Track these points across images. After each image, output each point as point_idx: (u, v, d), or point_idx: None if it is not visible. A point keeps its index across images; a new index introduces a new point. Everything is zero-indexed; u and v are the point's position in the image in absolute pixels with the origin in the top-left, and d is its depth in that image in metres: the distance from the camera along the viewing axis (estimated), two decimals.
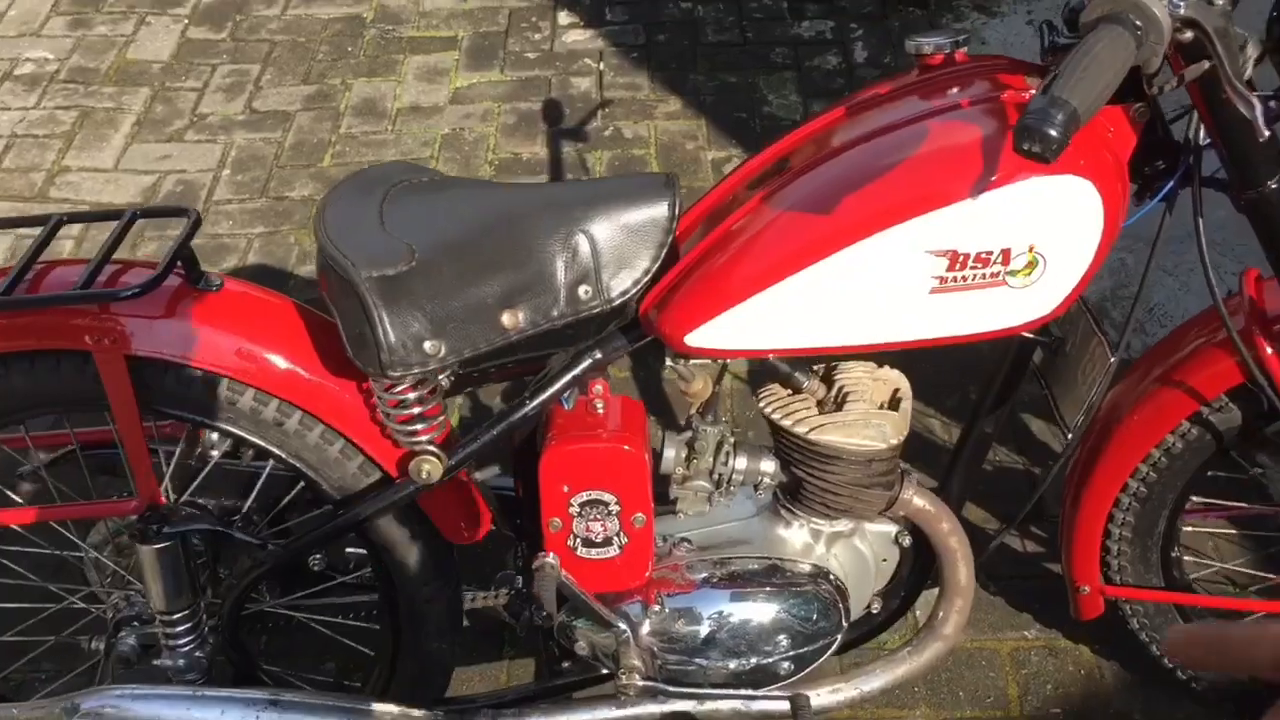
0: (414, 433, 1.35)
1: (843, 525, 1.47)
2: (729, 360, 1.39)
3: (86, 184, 2.86)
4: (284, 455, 1.40)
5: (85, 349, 1.30)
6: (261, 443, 1.39)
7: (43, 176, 2.87)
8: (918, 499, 1.47)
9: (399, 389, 1.30)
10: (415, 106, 3.10)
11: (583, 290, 1.27)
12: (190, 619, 1.43)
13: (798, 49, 3.24)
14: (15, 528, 1.52)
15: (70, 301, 1.28)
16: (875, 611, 1.57)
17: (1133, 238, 1.45)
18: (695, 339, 1.27)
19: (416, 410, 1.33)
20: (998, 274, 1.19)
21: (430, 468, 1.35)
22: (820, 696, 1.51)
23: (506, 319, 1.25)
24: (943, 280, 1.19)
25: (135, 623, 1.50)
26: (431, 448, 1.35)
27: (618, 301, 1.28)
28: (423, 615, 1.52)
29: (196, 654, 1.46)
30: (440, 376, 1.33)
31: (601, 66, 3.21)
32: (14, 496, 1.50)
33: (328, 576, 1.54)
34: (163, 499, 1.40)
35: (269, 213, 2.78)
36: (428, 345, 1.22)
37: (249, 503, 1.45)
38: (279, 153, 2.95)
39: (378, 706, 1.47)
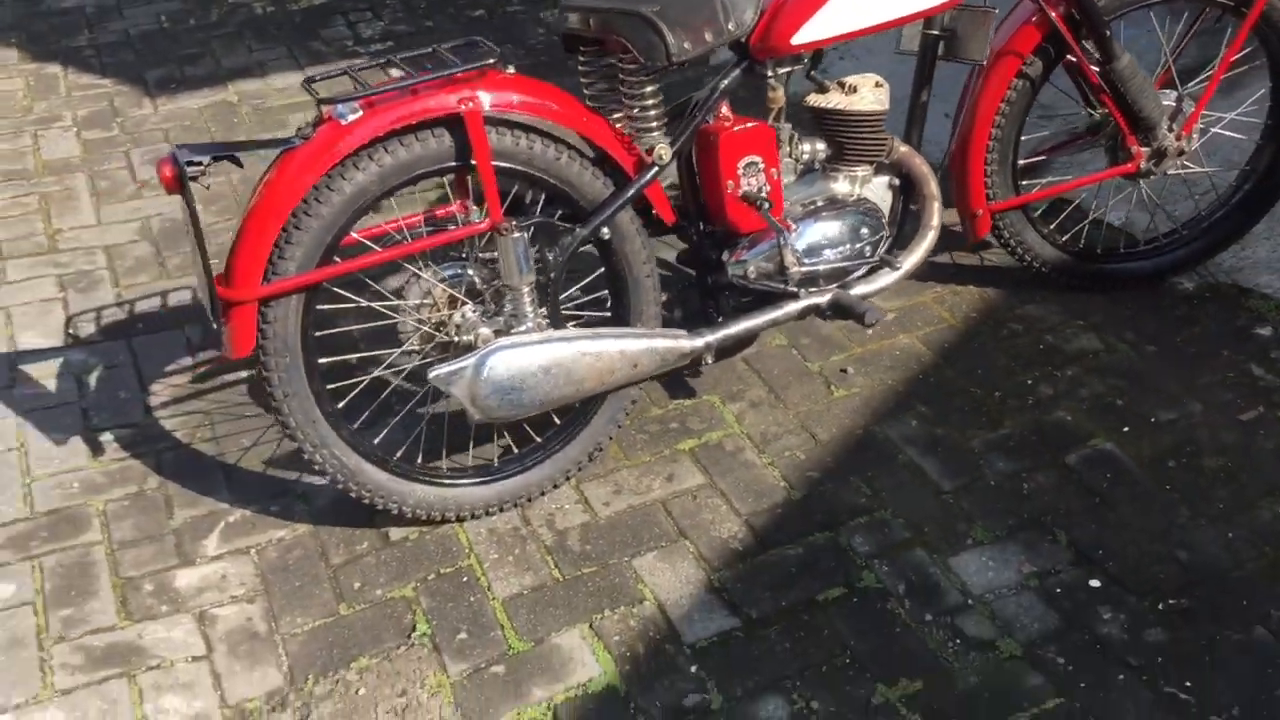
0: (650, 129, 2.23)
1: (864, 172, 2.49)
2: (805, 58, 2.37)
3: (86, 235, 3.37)
4: (556, 182, 2.22)
5: (456, 113, 2.08)
6: (543, 175, 2.20)
7: (45, 239, 3.35)
8: (901, 146, 2.52)
9: (649, 93, 2.20)
10: None
11: (731, 24, 2.23)
12: (534, 290, 2.20)
13: None
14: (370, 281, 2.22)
15: (458, 69, 2.06)
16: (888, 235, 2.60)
17: None
18: (797, 39, 2.25)
19: (654, 111, 2.22)
20: None
21: (664, 150, 2.23)
22: (886, 276, 2.50)
23: (707, 35, 2.18)
24: None
25: (482, 324, 2.23)
26: (663, 138, 2.24)
27: (746, 28, 2.24)
28: (643, 287, 2.35)
29: (538, 319, 2.22)
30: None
31: None
32: (375, 246, 2.19)
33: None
34: (501, 218, 2.17)
35: None
36: (685, 44, 2.14)
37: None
38: (236, 188, 3.60)
39: (651, 331, 2.30)
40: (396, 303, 2.26)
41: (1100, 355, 2.74)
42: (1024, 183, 2.79)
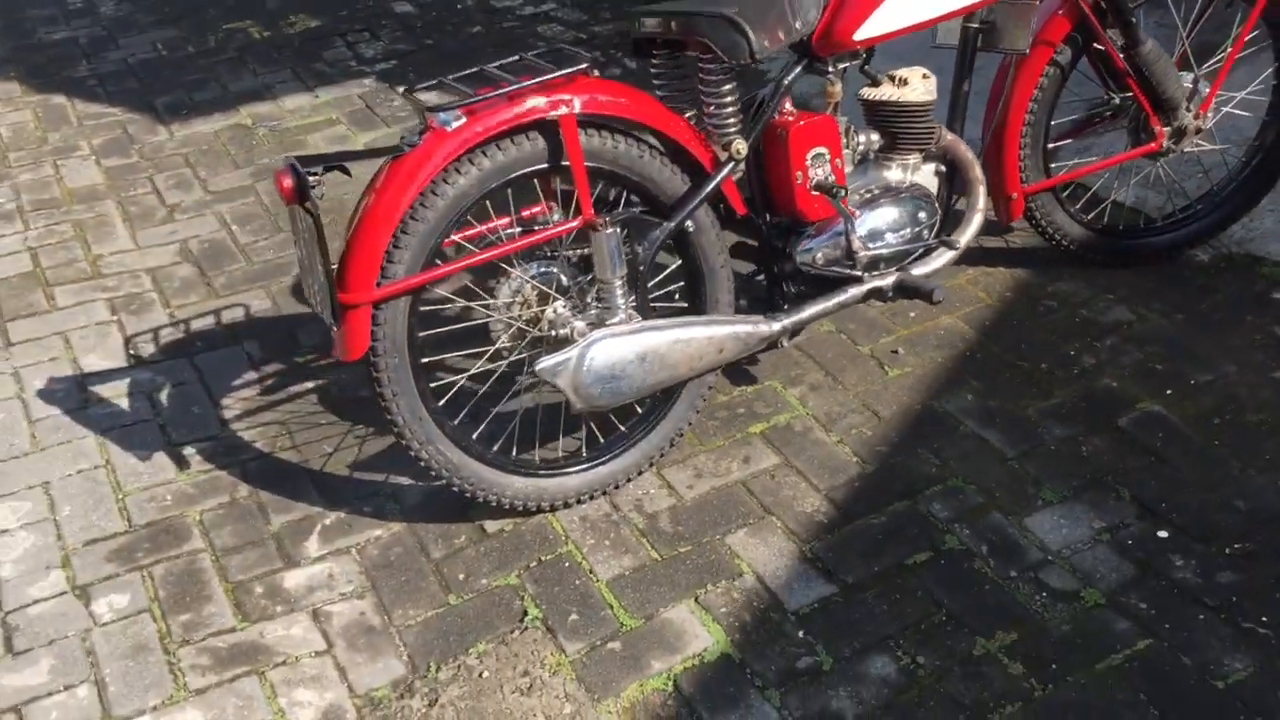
0: (727, 126, 2.35)
1: (915, 160, 2.62)
2: (865, 54, 2.50)
3: (128, 259, 3.41)
4: (639, 179, 2.32)
5: (553, 114, 2.17)
6: (628, 173, 2.30)
7: (88, 265, 3.39)
8: (947, 135, 2.66)
9: (727, 91, 2.31)
10: None
11: (799, 24, 2.35)
12: (625, 282, 2.29)
13: None
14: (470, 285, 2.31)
15: (553, 75, 2.16)
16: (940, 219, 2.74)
17: None
18: (859, 35, 2.38)
19: (731, 109, 2.34)
20: None
21: (740, 145, 2.35)
22: (942, 256, 2.63)
23: (780, 34, 2.30)
24: None
25: (575, 318, 2.32)
26: (739, 134, 2.35)
27: (811, 26, 2.37)
28: (718, 276, 2.46)
29: (629, 310, 2.31)
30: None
31: None
32: (471, 248, 2.29)
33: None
34: (593, 215, 2.26)
35: (291, 241, 3.48)
36: (764, 42, 2.26)
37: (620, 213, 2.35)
38: (269, 207, 3.66)
39: (733, 317, 2.41)
40: (489, 301, 2.34)
41: (1133, 325, 2.89)
42: (1052, 166, 2.94)
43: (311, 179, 2.06)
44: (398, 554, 2.41)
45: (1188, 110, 2.85)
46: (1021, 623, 2.17)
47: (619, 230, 2.26)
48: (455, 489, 2.35)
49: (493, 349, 2.37)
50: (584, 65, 2.19)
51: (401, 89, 2.32)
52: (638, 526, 2.43)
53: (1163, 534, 2.33)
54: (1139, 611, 2.17)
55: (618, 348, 2.25)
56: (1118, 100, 2.91)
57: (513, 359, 2.38)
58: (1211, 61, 2.91)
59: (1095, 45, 2.77)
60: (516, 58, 2.30)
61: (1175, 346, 2.82)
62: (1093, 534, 2.34)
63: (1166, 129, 2.86)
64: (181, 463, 2.65)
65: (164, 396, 2.86)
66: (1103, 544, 2.32)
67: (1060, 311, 2.96)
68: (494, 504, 2.39)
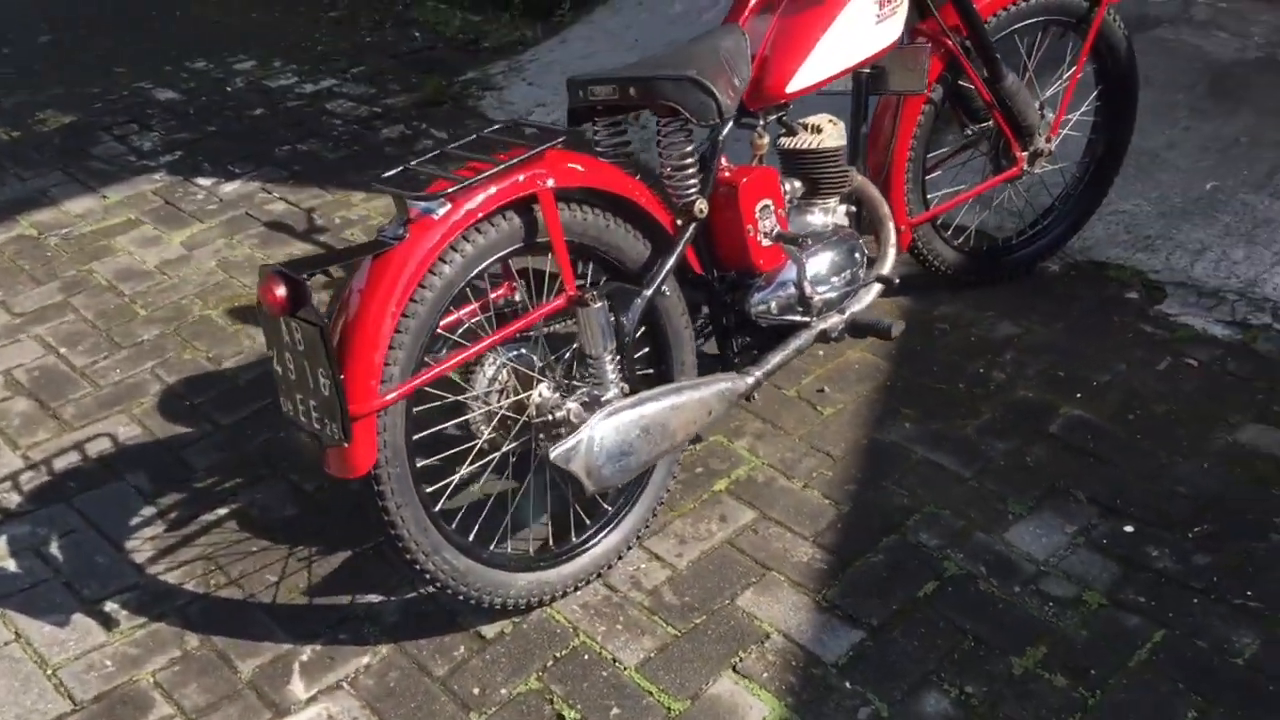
0: (689, 187, 2.32)
1: (834, 203, 2.68)
2: (791, 106, 2.54)
3: None
4: (605, 249, 2.25)
5: (534, 191, 2.07)
6: (595, 243, 2.23)
7: None
8: (858, 176, 2.74)
9: (689, 153, 2.28)
10: (166, 260, 3.58)
11: (738, 80, 2.36)
12: (613, 357, 2.21)
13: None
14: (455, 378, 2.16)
15: (533, 152, 2.06)
16: None
17: None
18: (791, 87, 2.42)
19: (691, 170, 2.31)
20: (894, 10, 2.53)
21: (702, 205, 2.33)
22: (872, 291, 2.70)
23: (731, 92, 2.30)
24: (878, 15, 2.50)
25: (565, 399, 2.22)
26: (699, 194, 2.33)
27: (746, 83, 2.38)
28: (683, 338, 2.42)
29: (621, 384, 2.23)
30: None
31: (272, 192, 3.95)
32: (464, 341, 2.14)
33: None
34: (576, 292, 2.17)
35: (138, 356, 3.15)
36: (728, 102, 2.24)
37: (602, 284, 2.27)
38: (96, 323, 3.29)
39: (713, 378, 2.37)
40: (474, 393, 2.20)
41: (1023, 338, 3.07)
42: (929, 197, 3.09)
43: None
44: (396, 679, 2.21)
45: (1040, 135, 3.07)
46: (1044, 635, 2.24)
47: (607, 304, 2.19)
48: (460, 598, 2.19)
49: (478, 443, 2.23)
50: (562, 139, 2.11)
51: (376, 182, 2.10)
52: (643, 605, 2.34)
53: (1129, 529, 2.47)
54: (1140, 605, 2.29)
55: (624, 423, 2.17)
56: (972, 132, 3.10)
57: (504, 449, 2.25)
58: (1051, 89, 3.15)
59: (961, 82, 2.94)
60: (474, 136, 2.18)
61: (1066, 353, 3.01)
62: (1069, 539, 2.46)
63: (1025, 154, 3.07)
64: (108, 621, 2.33)
65: (56, 550, 2.50)
66: (1081, 547, 2.43)
67: (954, 333, 3.11)
68: (498, 607, 2.24)
